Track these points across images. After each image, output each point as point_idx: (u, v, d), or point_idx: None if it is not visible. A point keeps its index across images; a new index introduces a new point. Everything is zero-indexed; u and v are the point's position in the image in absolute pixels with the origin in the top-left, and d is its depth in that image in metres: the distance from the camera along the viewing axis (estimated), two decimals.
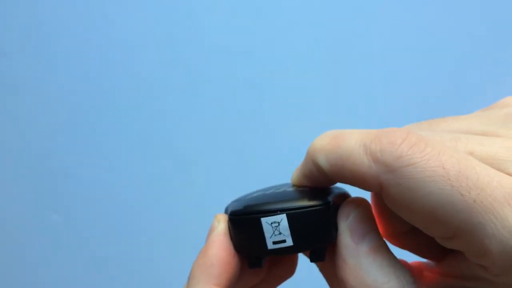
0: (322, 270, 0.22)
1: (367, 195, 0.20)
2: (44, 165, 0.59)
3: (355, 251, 0.18)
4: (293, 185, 0.21)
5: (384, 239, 0.19)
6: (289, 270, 0.24)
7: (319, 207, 0.18)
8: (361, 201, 0.19)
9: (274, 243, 0.18)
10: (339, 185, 0.20)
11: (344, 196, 0.20)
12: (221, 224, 0.21)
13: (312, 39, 0.55)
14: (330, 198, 0.19)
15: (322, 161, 0.18)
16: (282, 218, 0.18)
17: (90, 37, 0.58)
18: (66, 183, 0.59)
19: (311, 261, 0.19)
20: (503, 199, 0.14)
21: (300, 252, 0.20)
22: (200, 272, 0.19)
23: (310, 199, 0.19)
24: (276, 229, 0.18)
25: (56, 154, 0.59)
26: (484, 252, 0.15)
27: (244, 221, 0.19)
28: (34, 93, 0.59)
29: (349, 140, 0.17)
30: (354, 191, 0.20)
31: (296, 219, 0.18)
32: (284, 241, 0.18)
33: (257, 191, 0.22)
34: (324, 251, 0.19)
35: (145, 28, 0.57)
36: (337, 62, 0.55)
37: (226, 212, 0.21)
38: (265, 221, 0.18)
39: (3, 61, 0.59)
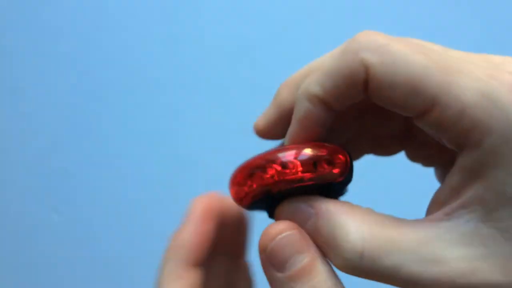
0: None
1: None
2: (44, 165, 0.59)
3: None
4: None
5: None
6: None
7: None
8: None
9: None
10: None
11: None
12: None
13: (312, 39, 0.55)
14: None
15: (317, 89, 0.19)
16: None
17: (90, 37, 0.58)
18: (66, 183, 0.59)
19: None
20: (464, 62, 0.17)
21: None
22: None
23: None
24: None
25: (56, 154, 0.59)
26: (461, 108, 0.16)
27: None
28: (34, 93, 0.59)
29: (325, 62, 0.20)
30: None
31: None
32: None
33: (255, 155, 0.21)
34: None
35: (146, 28, 0.57)
36: None
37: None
38: None
39: (3, 61, 0.59)
